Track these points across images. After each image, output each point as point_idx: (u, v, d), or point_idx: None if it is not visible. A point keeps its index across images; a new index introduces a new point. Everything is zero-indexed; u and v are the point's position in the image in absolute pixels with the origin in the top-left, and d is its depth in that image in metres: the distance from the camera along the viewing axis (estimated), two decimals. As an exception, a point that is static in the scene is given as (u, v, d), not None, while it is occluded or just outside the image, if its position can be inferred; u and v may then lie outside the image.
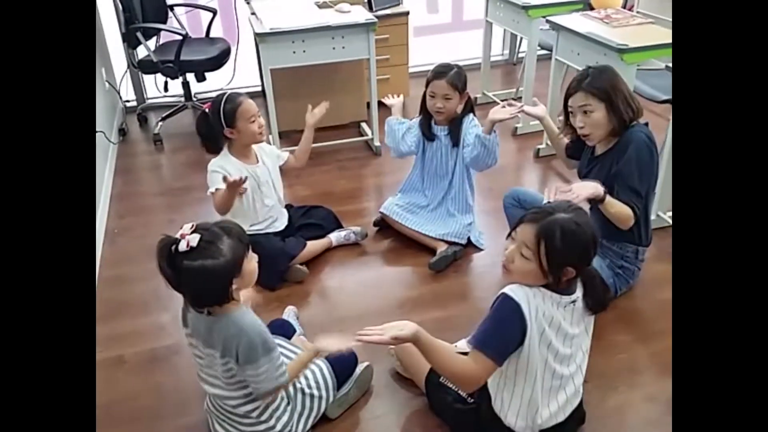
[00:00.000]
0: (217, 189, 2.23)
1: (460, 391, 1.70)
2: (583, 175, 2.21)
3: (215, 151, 2.32)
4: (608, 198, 1.94)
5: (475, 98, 4.03)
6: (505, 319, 1.46)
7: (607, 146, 2.09)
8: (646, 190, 2.02)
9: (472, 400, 1.67)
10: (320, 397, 1.76)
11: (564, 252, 1.43)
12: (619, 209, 1.96)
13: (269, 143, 3.10)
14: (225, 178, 2.11)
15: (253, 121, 2.24)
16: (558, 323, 1.50)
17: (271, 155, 2.48)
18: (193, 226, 1.45)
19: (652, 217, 2.43)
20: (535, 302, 1.45)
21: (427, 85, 2.48)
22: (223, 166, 2.26)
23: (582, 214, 1.49)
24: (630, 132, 2.01)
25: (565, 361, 1.55)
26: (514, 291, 1.46)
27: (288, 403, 1.70)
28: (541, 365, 1.51)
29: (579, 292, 1.54)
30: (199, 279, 1.42)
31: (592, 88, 1.97)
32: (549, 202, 1.68)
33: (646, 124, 2.06)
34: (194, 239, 1.41)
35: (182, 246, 1.40)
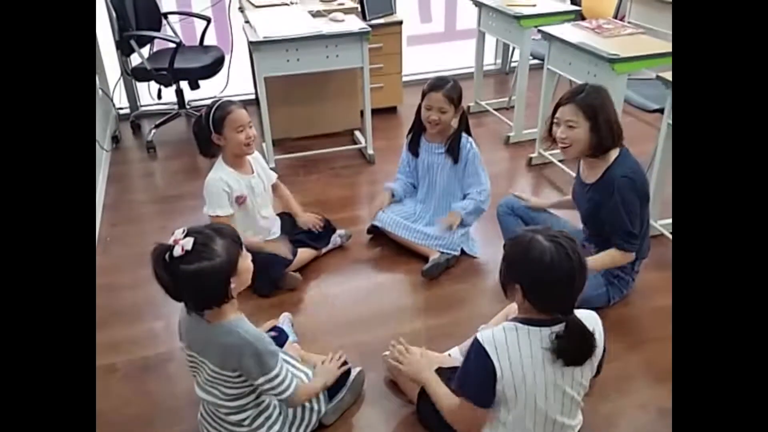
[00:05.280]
0: (218, 216, 2.24)
1: None
2: (576, 199, 2.29)
3: (206, 154, 2.32)
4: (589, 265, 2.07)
5: (468, 107, 4.06)
6: (474, 362, 1.47)
7: (594, 174, 2.12)
8: (640, 227, 2.09)
9: None
10: (312, 409, 1.75)
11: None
12: (600, 266, 2.13)
13: (263, 151, 3.09)
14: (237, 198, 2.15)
15: (241, 131, 2.21)
16: (545, 363, 1.43)
17: (265, 169, 2.48)
18: (184, 230, 1.45)
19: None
20: (511, 342, 1.42)
21: (422, 98, 2.50)
22: (222, 179, 2.26)
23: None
24: (612, 175, 2.05)
25: (565, 410, 1.49)
26: (482, 335, 1.45)
27: (280, 413, 1.70)
28: (531, 413, 1.46)
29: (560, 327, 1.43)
30: (198, 281, 1.42)
31: (583, 104, 2.00)
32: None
33: (627, 150, 2.10)
34: (188, 243, 1.41)
35: (177, 251, 1.41)
